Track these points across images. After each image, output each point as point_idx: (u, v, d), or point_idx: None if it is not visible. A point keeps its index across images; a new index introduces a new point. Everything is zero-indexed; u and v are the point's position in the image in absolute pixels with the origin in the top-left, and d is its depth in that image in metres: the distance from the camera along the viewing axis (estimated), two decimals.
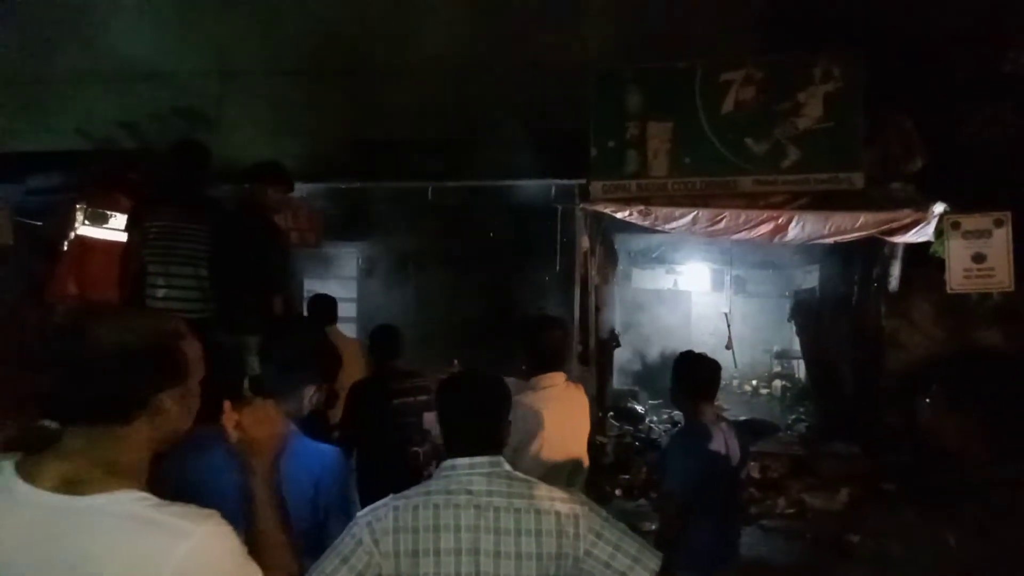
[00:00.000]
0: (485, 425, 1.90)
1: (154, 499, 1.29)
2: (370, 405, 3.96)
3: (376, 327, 4.28)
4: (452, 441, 1.90)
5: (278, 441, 1.63)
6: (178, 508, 1.28)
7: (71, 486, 1.26)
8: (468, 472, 1.81)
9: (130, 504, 1.26)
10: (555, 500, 1.79)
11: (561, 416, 2.99)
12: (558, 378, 3.06)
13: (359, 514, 1.80)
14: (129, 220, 4.57)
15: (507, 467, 1.87)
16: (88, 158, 6.68)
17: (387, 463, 3.79)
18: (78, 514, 1.24)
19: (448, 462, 1.85)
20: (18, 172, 6.94)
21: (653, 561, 1.77)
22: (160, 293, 4.24)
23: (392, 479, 2.42)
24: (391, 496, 1.83)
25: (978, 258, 5.77)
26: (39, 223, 6.16)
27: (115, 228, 5.05)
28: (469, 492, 1.78)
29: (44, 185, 6.72)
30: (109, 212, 5.03)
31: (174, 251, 4.28)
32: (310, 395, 2.14)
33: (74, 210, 5.08)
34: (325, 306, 5.09)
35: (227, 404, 1.61)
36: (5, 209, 6.19)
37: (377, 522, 1.75)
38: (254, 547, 1.44)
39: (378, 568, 1.72)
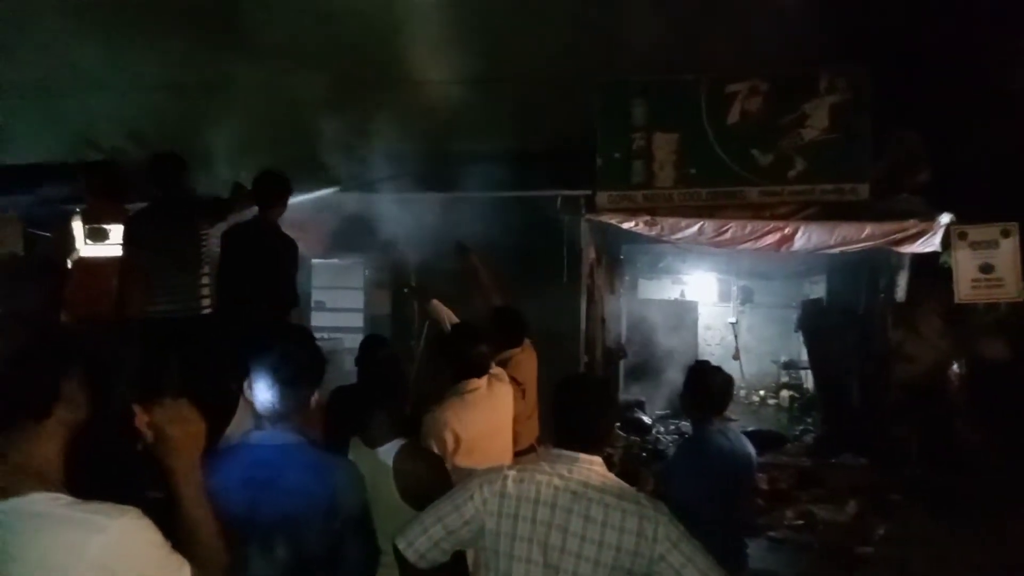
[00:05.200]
0: (590, 423, 2.15)
1: (67, 498, 1.32)
2: None
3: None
4: (561, 432, 2.16)
5: (197, 439, 1.61)
6: (93, 505, 1.32)
7: None
8: (571, 463, 2.05)
9: (43, 504, 1.29)
10: (641, 505, 2.00)
11: (487, 415, 3.27)
12: (481, 382, 3.31)
13: (475, 473, 2.15)
14: (124, 231, 4.61)
15: (603, 467, 2.11)
16: (91, 168, 6.74)
17: None
18: None
19: (555, 450, 2.12)
20: (29, 182, 7.00)
21: None
22: (151, 302, 4.28)
23: None
24: (505, 464, 2.20)
25: (986, 268, 5.77)
26: (48, 234, 6.20)
27: (115, 243, 5.07)
28: (569, 479, 2.01)
29: (54, 195, 6.78)
30: (108, 227, 5.03)
31: (159, 260, 4.32)
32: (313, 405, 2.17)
33: (72, 227, 5.09)
34: (513, 323, 4.31)
35: (136, 406, 1.58)
36: (15, 219, 6.24)
37: (489, 484, 2.02)
38: (184, 544, 1.46)
39: (481, 521, 1.99)
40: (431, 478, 2.51)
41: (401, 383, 2.77)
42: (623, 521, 1.94)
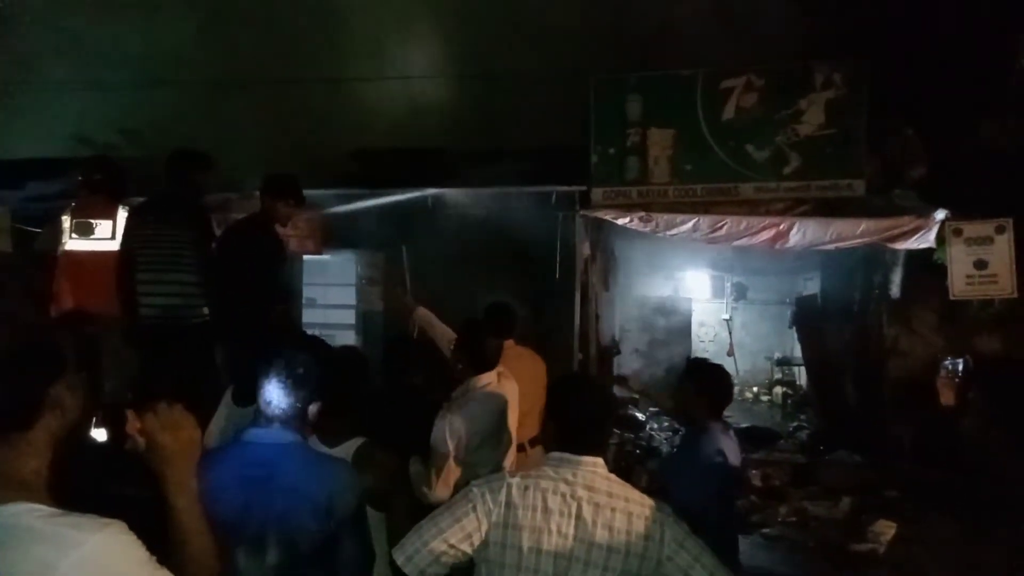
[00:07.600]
0: (593, 427, 2.10)
1: (48, 509, 1.27)
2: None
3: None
4: (563, 436, 2.08)
5: (191, 447, 1.56)
6: (72, 518, 1.26)
7: None
8: (574, 467, 2.00)
9: (20, 515, 1.24)
10: (645, 507, 1.97)
11: (496, 411, 3.32)
12: (492, 376, 3.37)
13: (475, 482, 2.01)
14: (120, 227, 4.55)
15: (605, 469, 2.05)
16: (88, 163, 6.68)
17: None
18: None
19: (557, 454, 2.05)
20: (17, 178, 6.93)
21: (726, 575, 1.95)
22: (146, 301, 4.23)
23: None
24: (506, 471, 2.15)
25: (980, 264, 5.75)
26: (38, 230, 6.14)
27: (101, 237, 5.00)
28: (574, 485, 1.96)
29: (43, 192, 6.71)
30: (94, 221, 4.95)
31: (159, 258, 4.26)
32: (313, 412, 2.12)
33: (61, 222, 5.03)
34: (500, 317, 4.11)
35: (129, 412, 1.55)
36: (4, 215, 6.17)
37: (492, 494, 1.95)
38: (174, 552, 1.42)
39: (484, 534, 1.92)
40: (387, 477, 2.50)
41: (358, 382, 2.74)
42: (629, 524, 1.91)
